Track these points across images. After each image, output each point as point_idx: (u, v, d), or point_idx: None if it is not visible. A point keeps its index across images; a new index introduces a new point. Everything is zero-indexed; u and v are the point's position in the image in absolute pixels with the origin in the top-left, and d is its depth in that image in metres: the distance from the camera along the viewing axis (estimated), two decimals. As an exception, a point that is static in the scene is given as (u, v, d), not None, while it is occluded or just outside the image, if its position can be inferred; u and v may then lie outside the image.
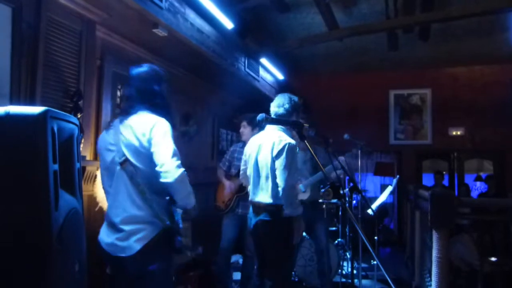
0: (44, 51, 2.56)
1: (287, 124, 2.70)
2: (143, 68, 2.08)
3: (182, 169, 1.86)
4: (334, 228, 4.90)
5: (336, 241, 4.84)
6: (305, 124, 2.30)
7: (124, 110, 2.07)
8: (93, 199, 2.97)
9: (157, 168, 1.85)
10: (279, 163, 2.59)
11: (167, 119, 1.98)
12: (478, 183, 7.57)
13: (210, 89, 5.50)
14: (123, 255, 1.87)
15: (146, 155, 1.90)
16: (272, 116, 2.78)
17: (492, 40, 5.63)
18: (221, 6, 3.75)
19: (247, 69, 5.13)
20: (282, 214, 2.59)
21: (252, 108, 4.21)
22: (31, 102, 2.47)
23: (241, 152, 3.87)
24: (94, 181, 2.95)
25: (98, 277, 2.48)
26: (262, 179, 2.70)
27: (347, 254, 4.76)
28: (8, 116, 1.27)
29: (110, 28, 3.36)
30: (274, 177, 2.63)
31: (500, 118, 6.73)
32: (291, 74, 6.98)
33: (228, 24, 4.01)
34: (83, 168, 2.74)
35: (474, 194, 7.37)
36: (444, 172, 7.02)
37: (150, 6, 3.00)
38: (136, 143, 1.91)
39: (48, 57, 2.60)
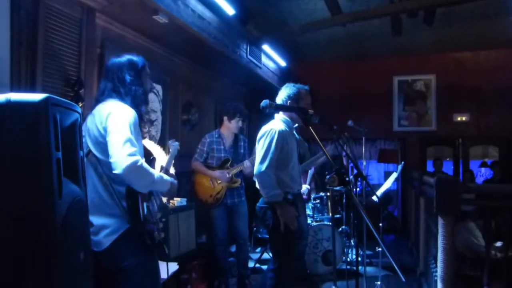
0: (43, 39, 2.51)
1: (291, 110, 2.67)
2: (119, 58, 2.07)
3: (133, 158, 1.73)
4: (338, 216, 4.90)
5: (340, 228, 4.84)
6: (309, 110, 2.26)
7: (95, 99, 2.06)
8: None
9: (110, 159, 1.75)
10: (257, 149, 2.69)
11: (134, 108, 1.92)
12: (483, 169, 7.54)
13: (211, 76, 5.45)
14: (96, 249, 1.85)
15: (105, 144, 1.81)
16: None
17: (498, 23, 5.52)
18: (222, -9, 3.69)
19: (249, 56, 5.07)
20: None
21: (254, 95, 4.16)
22: (31, 91, 2.43)
23: (219, 143, 3.85)
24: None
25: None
26: None
27: (352, 241, 4.77)
28: (9, 103, 1.25)
29: (111, 15, 3.31)
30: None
31: (506, 104, 6.66)
32: (293, 61, 6.91)
33: (229, 10, 3.95)
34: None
35: (479, 180, 7.34)
36: (442, 159, 6.99)
37: (150, -8, 2.95)
38: (96, 133, 1.85)
39: (47, 45, 2.56)
